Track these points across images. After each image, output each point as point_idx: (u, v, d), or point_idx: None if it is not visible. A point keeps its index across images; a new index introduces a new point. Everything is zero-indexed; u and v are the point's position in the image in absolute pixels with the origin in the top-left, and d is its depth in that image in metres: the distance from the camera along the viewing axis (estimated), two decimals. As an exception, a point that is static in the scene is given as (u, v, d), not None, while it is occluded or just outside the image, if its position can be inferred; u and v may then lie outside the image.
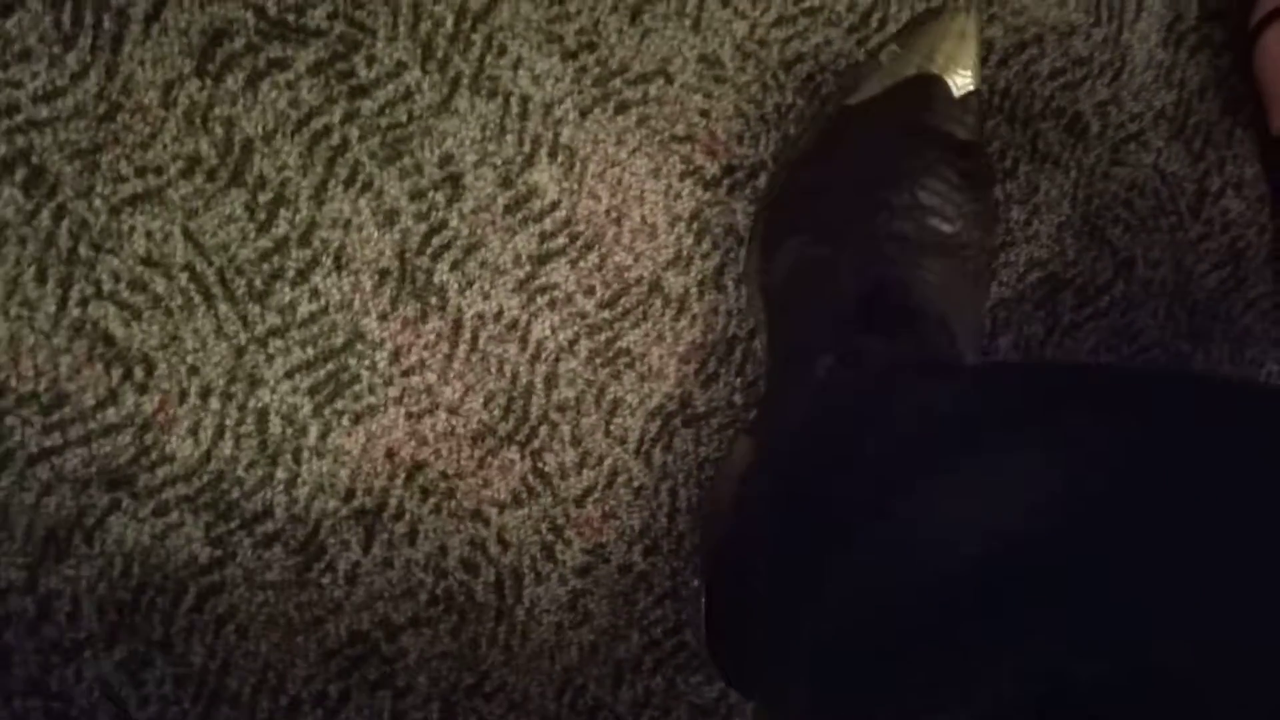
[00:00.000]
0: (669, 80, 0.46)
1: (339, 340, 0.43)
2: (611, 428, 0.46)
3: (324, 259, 0.42)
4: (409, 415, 0.44)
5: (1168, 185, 0.54)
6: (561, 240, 0.45)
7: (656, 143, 0.46)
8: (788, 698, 0.37)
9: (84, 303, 0.40)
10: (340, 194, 0.42)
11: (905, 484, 0.33)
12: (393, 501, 0.44)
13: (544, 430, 0.46)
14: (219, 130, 0.41)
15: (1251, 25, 0.52)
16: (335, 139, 0.42)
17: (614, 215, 0.46)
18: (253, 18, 0.41)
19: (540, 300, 0.45)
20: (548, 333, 0.45)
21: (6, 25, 0.38)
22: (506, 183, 0.44)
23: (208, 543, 0.42)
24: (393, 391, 0.43)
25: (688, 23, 0.46)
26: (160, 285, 0.41)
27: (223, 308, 0.41)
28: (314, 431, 0.43)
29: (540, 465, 0.46)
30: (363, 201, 0.42)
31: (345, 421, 0.43)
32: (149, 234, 0.40)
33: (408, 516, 0.44)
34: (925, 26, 0.42)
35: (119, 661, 0.41)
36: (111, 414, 0.40)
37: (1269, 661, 0.25)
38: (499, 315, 0.45)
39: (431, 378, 0.44)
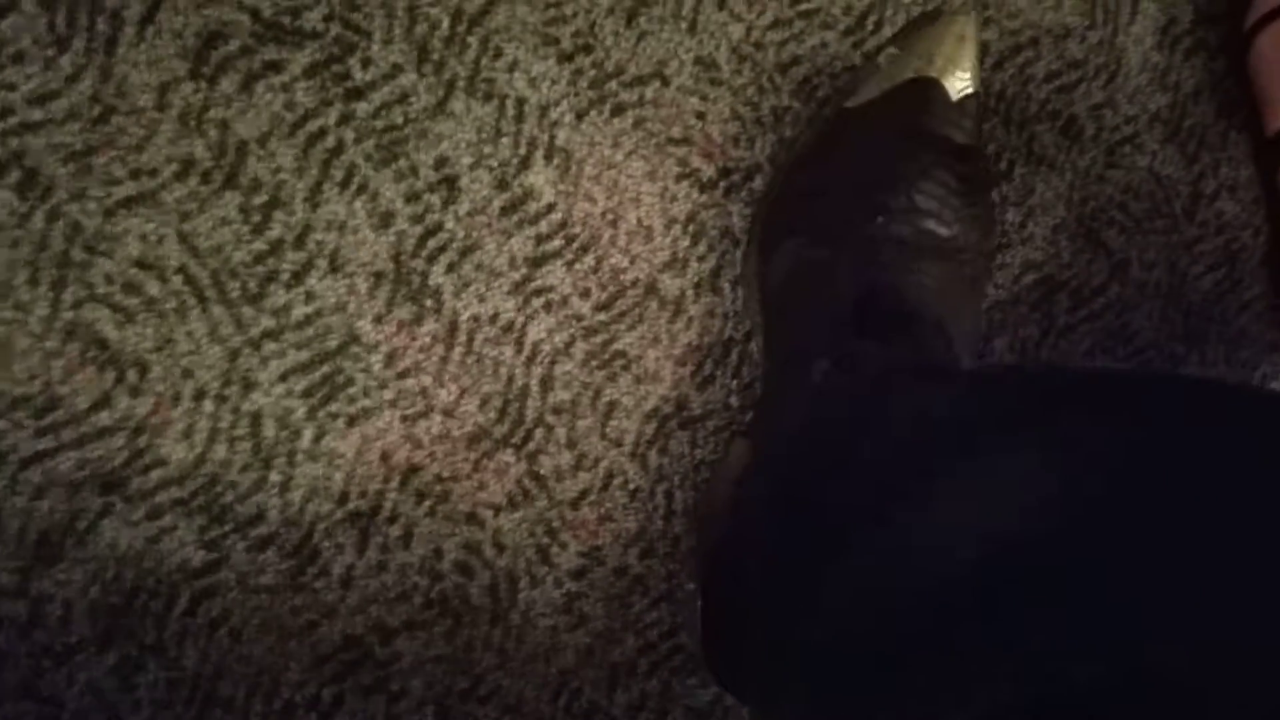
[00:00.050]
0: (665, 83, 0.46)
1: (333, 343, 0.43)
2: (607, 430, 0.46)
3: (319, 261, 0.42)
4: (404, 418, 0.44)
5: (1162, 188, 0.54)
6: (557, 243, 0.45)
7: (653, 145, 0.46)
8: (783, 702, 0.37)
9: (77, 305, 0.40)
10: (335, 196, 0.42)
11: (902, 488, 0.33)
12: (387, 504, 0.44)
13: (539, 433, 0.45)
14: (213, 133, 0.40)
15: (1246, 28, 0.52)
16: (330, 141, 0.42)
17: (610, 218, 0.46)
18: (248, 20, 0.40)
19: (536, 303, 0.45)
20: (543, 335, 0.45)
21: (0, 28, 0.38)
22: (502, 185, 0.44)
23: (201, 546, 0.42)
24: (387, 394, 0.43)
25: (684, 25, 0.46)
26: (154, 288, 0.40)
27: (217, 310, 0.41)
28: (308, 434, 0.42)
29: (536, 468, 0.46)
30: (358, 204, 0.42)
31: (339, 424, 0.43)
32: (143, 236, 0.40)
33: (402, 520, 0.44)
34: (923, 29, 0.42)
35: (111, 666, 0.41)
36: (104, 417, 0.40)
37: (1265, 662, 0.25)
38: (494, 318, 0.44)
39: (427, 380, 0.44)
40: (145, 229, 0.40)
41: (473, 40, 0.43)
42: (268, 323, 0.42)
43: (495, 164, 0.44)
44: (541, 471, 0.46)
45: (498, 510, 0.45)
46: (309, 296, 0.42)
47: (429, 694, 0.45)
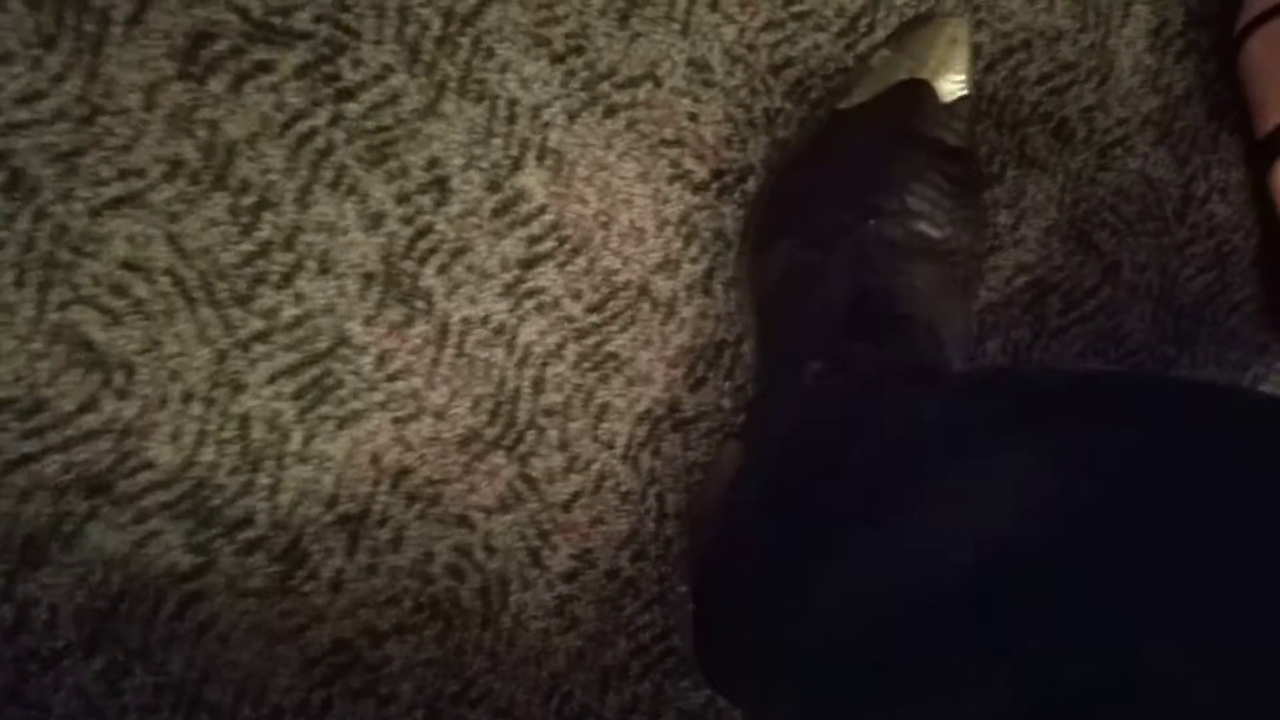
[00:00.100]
0: (658, 84, 0.46)
1: (323, 345, 0.42)
2: (599, 432, 0.46)
3: (308, 263, 0.42)
4: (394, 420, 0.43)
5: (1154, 190, 0.54)
6: (549, 244, 0.45)
7: (645, 146, 0.46)
8: (775, 704, 0.37)
9: (63, 307, 0.39)
10: (325, 197, 0.42)
11: (893, 490, 0.33)
12: (377, 507, 0.44)
13: (531, 435, 0.45)
14: (202, 133, 0.40)
15: (1236, 31, 0.52)
16: (320, 142, 0.42)
17: (602, 219, 0.45)
18: (237, 20, 0.40)
19: (528, 304, 0.45)
20: (535, 337, 0.45)
21: (-15, 25, 0.38)
22: (494, 186, 0.44)
23: (188, 550, 0.41)
24: (378, 396, 0.43)
25: (676, 27, 0.46)
26: (141, 289, 0.40)
27: (205, 312, 0.41)
28: (297, 437, 0.42)
29: (527, 470, 0.45)
30: (348, 205, 0.42)
31: (329, 427, 0.42)
32: (130, 238, 0.40)
33: (392, 522, 0.44)
34: (916, 31, 0.42)
35: (98, 670, 0.41)
36: (91, 420, 0.40)
37: (1257, 665, 0.25)
38: (486, 319, 0.44)
39: (417, 382, 0.44)
40: (133, 230, 0.40)
41: (464, 41, 0.43)
42: (256, 324, 0.41)
43: (487, 165, 0.44)
44: (533, 474, 0.45)
45: (489, 513, 0.45)
46: (298, 298, 0.42)
47: (419, 698, 0.45)
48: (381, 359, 0.43)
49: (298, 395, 0.42)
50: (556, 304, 0.45)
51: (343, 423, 0.43)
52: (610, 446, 0.46)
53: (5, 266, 0.39)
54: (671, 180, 0.46)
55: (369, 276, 0.43)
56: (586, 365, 0.46)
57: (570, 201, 0.45)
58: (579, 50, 0.44)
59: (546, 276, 0.45)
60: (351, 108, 0.42)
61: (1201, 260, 0.55)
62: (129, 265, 0.40)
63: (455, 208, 0.43)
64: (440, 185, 0.43)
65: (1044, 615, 0.27)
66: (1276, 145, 0.51)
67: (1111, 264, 0.53)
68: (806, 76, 0.47)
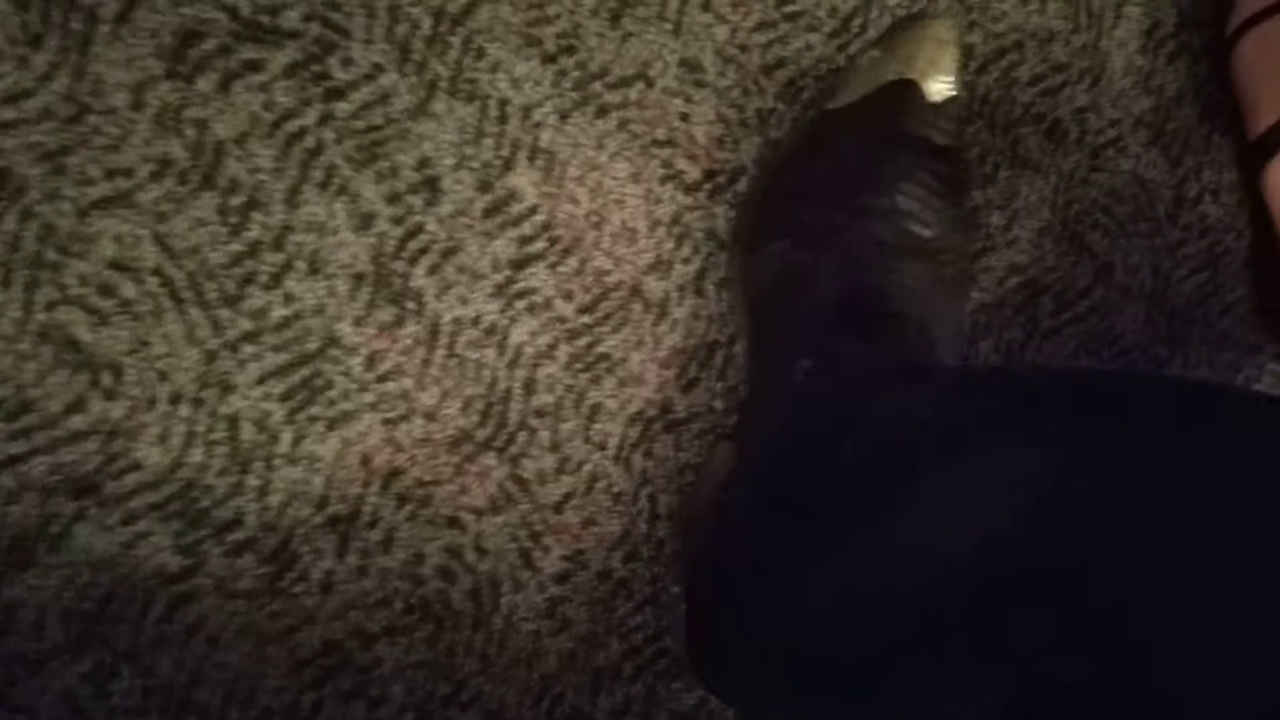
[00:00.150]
0: (650, 84, 0.45)
1: (313, 345, 0.42)
2: (591, 433, 0.46)
3: (298, 263, 0.42)
4: (385, 421, 0.43)
5: (1146, 191, 0.54)
6: (540, 244, 0.45)
7: (637, 147, 0.45)
8: (768, 703, 0.37)
9: (50, 307, 0.39)
10: (315, 197, 0.42)
11: (886, 489, 0.33)
12: (367, 509, 0.43)
13: (522, 436, 0.45)
14: (191, 133, 0.40)
15: (1228, 32, 0.52)
16: (310, 142, 0.41)
17: (594, 219, 0.45)
18: (226, 19, 0.40)
19: (519, 305, 0.45)
20: (526, 338, 0.45)
21: (-28, 24, 0.37)
22: (485, 186, 0.44)
23: (177, 551, 0.41)
24: (368, 397, 0.43)
25: (668, 27, 0.45)
26: (129, 289, 0.40)
27: (193, 312, 0.40)
28: (287, 438, 0.42)
29: (518, 471, 0.45)
30: (338, 205, 0.42)
31: (319, 428, 0.42)
32: (118, 238, 0.39)
33: (383, 524, 0.44)
34: (905, 32, 0.42)
35: (85, 673, 0.41)
36: (78, 420, 0.39)
37: (1250, 664, 0.25)
38: (477, 320, 0.44)
39: (408, 383, 0.43)
40: (120, 230, 0.39)
41: (455, 40, 0.43)
42: (245, 325, 0.41)
43: (478, 165, 0.44)
44: (524, 475, 0.45)
45: (480, 514, 0.45)
46: (288, 298, 0.42)
47: (410, 700, 0.45)
48: (372, 360, 0.43)
49: (287, 396, 0.42)
50: (548, 305, 0.45)
51: (333, 424, 0.42)
52: (602, 448, 0.46)
53: (-9, 266, 0.38)
54: (664, 181, 0.46)
55: (359, 277, 0.42)
56: (578, 366, 0.46)
57: (562, 202, 0.45)
58: (570, 50, 0.44)
59: (538, 277, 0.45)
60: (341, 107, 0.42)
61: (1194, 261, 0.55)
62: (117, 265, 0.40)
63: (446, 208, 0.43)
64: (431, 185, 0.43)
65: (1039, 615, 0.27)
66: (1268, 147, 0.51)
67: (1104, 265, 0.53)
68: (799, 77, 0.47)
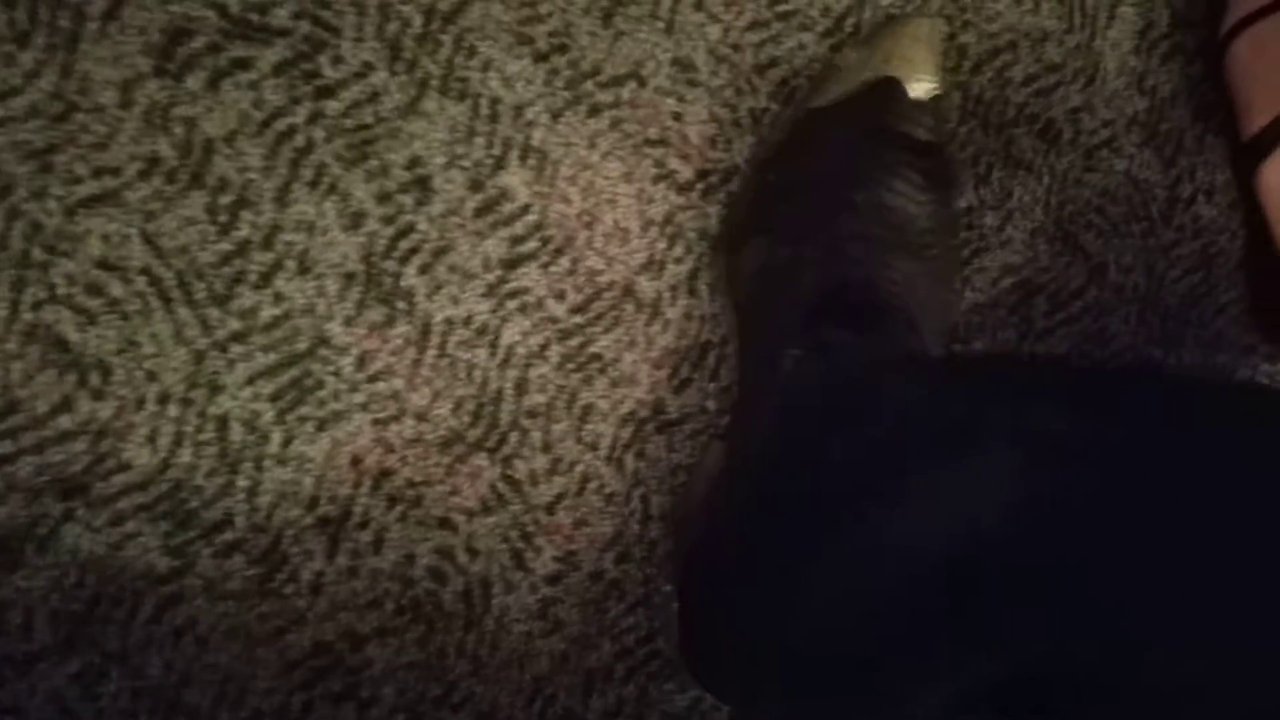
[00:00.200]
0: (642, 83, 0.45)
1: (303, 345, 0.42)
2: (583, 434, 0.46)
3: (287, 263, 0.41)
4: (375, 422, 0.43)
5: (1140, 191, 0.54)
6: (532, 244, 0.44)
7: (629, 146, 0.45)
8: (761, 702, 0.36)
9: (37, 307, 0.39)
10: (305, 196, 0.41)
11: (876, 486, 0.33)
12: (358, 509, 0.43)
13: (514, 436, 0.45)
14: (179, 131, 0.40)
15: (1222, 33, 0.52)
16: (300, 140, 0.41)
17: (586, 219, 0.45)
18: (215, 16, 0.40)
19: (510, 305, 0.44)
20: (518, 338, 0.45)
21: (-42, 21, 0.37)
22: (476, 186, 0.44)
23: (165, 552, 0.41)
24: (358, 398, 0.43)
25: (661, 26, 0.45)
26: (117, 289, 0.40)
27: (182, 312, 0.40)
28: (276, 439, 0.42)
29: (510, 472, 0.45)
30: (328, 204, 0.42)
31: (309, 428, 0.42)
32: (105, 237, 0.39)
33: (373, 525, 0.43)
34: (887, 30, 0.43)
35: (74, 674, 0.40)
36: (66, 421, 0.39)
37: (1245, 662, 0.25)
38: (468, 320, 0.44)
39: (399, 383, 0.43)
40: (108, 229, 0.39)
41: (446, 39, 0.43)
42: (234, 325, 0.41)
43: (469, 164, 0.43)
44: (516, 476, 0.45)
45: (471, 515, 0.45)
46: (277, 298, 0.41)
47: (401, 701, 0.44)
48: (362, 360, 0.43)
49: (276, 396, 0.42)
50: (540, 305, 0.45)
51: (323, 424, 0.42)
52: (594, 448, 0.46)
53: (-22, 265, 0.38)
54: (656, 180, 0.46)
55: (349, 276, 0.42)
56: (570, 366, 0.45)
57: (554, 201, 0.45)
58: (562, 49, 0.44)
59: (530, 277, 0.45)
60: (331, 105, 0.41)
61: (1187, 262, 0.55)
62: (104, 264, 0.39)
63: (437, 207, 0.43)
64: (422, 184, 0.43)
65: (1031, 614, 0.27)
66: (1262, 147, 0.51)
67: (1098, 265, 0.53)
68: (791, 76, 0.47)
